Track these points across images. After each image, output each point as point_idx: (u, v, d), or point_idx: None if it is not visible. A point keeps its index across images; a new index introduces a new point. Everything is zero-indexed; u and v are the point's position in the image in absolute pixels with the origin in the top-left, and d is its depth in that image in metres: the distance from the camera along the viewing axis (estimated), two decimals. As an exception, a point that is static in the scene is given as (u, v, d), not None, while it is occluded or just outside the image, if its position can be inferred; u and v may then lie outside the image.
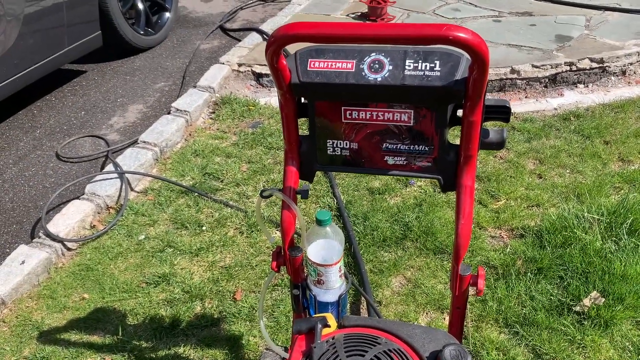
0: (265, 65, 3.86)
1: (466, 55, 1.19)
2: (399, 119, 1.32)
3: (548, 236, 2.37)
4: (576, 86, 3.74)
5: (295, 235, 1.52)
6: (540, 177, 2.90)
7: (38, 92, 3.99)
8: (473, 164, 1.36)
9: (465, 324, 1.53)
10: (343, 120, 1.35)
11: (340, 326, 1.36)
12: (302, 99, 1.41)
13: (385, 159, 1.40)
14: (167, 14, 4.78)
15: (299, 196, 1.48)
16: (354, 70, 1.26)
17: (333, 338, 1.28)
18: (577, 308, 2.04)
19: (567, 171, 2.93)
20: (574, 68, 3.70)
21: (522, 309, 2.09)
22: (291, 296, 1.61)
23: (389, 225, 2.56)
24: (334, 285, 1.51)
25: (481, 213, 2.62)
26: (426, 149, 1.36)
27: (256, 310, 2.18)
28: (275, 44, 1.18)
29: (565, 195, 2.72)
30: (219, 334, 2.13)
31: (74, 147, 3.38)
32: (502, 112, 1.31)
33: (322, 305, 1.55)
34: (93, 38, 3.94)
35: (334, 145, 1.41)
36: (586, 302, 2.03)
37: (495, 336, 2.01)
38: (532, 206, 2.68)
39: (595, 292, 2.07)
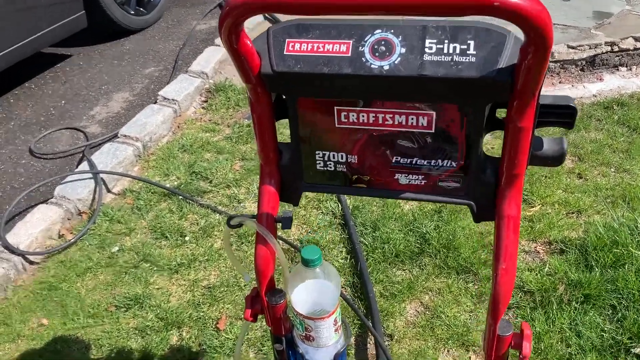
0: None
1: (513, 32, 0.81)
2: (414, 124, 0.93)
3: (595, 253, 1.96)
4: (618, 69, 3.29)
5: (277, 275, 1.15)
6: (581, 177, 2.48)
7: (16, 79, 3.64)
8: (519, 187, 0.97)
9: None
10: (337, 125, 0.97)
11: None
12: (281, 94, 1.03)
13: (395, 177, 1.01)
14: (161, -8, 4.38)
15: (278, 225, 1.10)
16: (350, 54, 0.87)
17: None
18: (638, 350, 1.64)
19: (612, 170, 2.51)
20: (615, 49, 3.25)
21: (567, 349, 1.70)
22: (273, 352, 1.24)
23: (403, 236, 2.17)
24: (327, 342, 1.14)
25: (512, 222, 2.21)
26: (453, 164, 0.97)
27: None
28: (232, 15, 0.80)
29: (611, 199, 2.31)
30: (197, 372, 1.78)
31: (50, 141, 3.02)
32: (564, 115, 0.91)
33: (312, 366, 1.18)
34: (76, 19, 3.56)
35: (325, 159, 1.02)
36: (649, 343, 1.63)
37: (533, 383, 1.63)
38: (572, 213, 2.27)
39: (661, 331, 1.67)
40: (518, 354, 1.06)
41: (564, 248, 2.06)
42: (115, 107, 3.31)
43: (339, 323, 1.15)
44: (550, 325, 1.76)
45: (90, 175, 2.54)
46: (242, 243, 2.21)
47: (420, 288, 1.97)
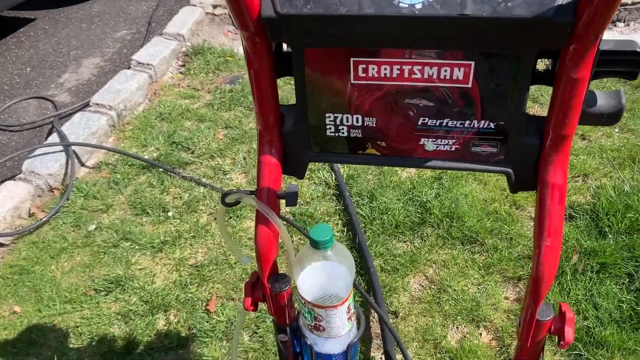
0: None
1: None
2: (448, 77, 0.78)
3: (607, 219, 1.85)
4: (615, 25, 3.16)
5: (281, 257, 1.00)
6: (584, 139, 2.36)
7: (-24, 45, 3.37)
8: (566, 150, 0.83)
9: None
10: (353, 81, 0.81)
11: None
12: (284, 45, 0.86)
13: (421, 142, 0.86)
14: (131, -50, 4.08)
15: (282, 202, 0.95)
16: (372, -9, 0.71)
17: None
18: (659, 321, 1.54)
19: (616, 130, 2.39)
20: (613, 3, 3.10)
21: (584, 322, 1.60)
22: (277, 343, 1.10)
23: (402, 206, 2.03)
24: (339, 332, 1.00)
25: (516, 187, 2.09)
26: (491, 125, 0.82)
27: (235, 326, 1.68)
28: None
29: (618, 161, 2.19)
30: (188, 358, 1.64)
31: (15, 112, 2.79)
32: (628, 63, 0.77)
33: (321, 358, 1.05)
34: (38, -22, 3.29)
35: (337, 122, 0.87)
36: (672, 313, 1.54)
37: (550, 360, 1.52)
38: (578, 176, 2.15)
39: (685, 300, 1.57)
40: (557, 339, 0.93)
41: (573, 214, 1.95)
42: (86, 73, 3.07)
43: (352, 310, 1.01)
44: (564, 297, 1.66)
45: (61, 147, 2.34)
46: (231, 217, 2.05)
47: (424, 260, 1.84)
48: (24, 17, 3.67)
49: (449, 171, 2.17)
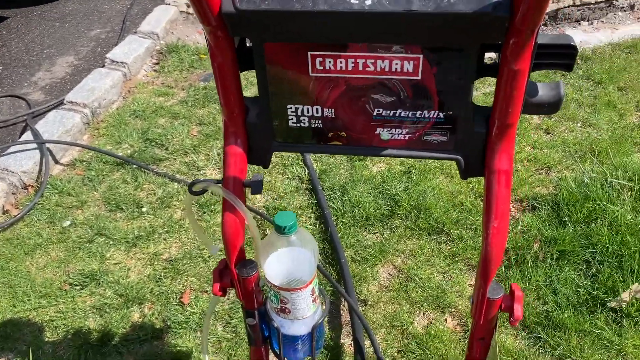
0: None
1: None
2: (399, 70, 0.83)
3: (567, 209, 1.93)
4: (579, 24, 3.26)
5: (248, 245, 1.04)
6: (548, 133, 2.45)
7: (-53, 43, 3.34)
8: (511, 138, 0.90)
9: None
10: (311, 74, 0.86)
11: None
12: (246, 40, 0.91)
13: (377, 132, 0.91)
14: (104, -52, 4.07)
15: (247, 190, 0.99)
16: (326, -12, 0.76)
17: None
18: (613, 304, 1.62)
19: (579, 125, 2.48)
20: (577, 2, 3.21)
21: (544, 307, 1.67)
22: (245, 326, 1.14)
23: (373, 199, 2.09)
24: (304, 313, 1.05)
25: (482, 180, 2.16)
26: (440, 115, 0.88)
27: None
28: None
29: (580, 154, 2.28)
30: (162, 349, 1.67)
31: (-12, 111, 2.79)
32: (563, 56, 0.83)
33: (288, 340, 1.10)
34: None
35: (298, 113, 0.92)
36: (625, 296, 1.61)
37: (510, 343, 1.59)
38: (542, 169, 2.23)
39: (637, 284, 1.65)
40: (508, 316, 1.00)
41: (536, 205, 2.03)
42: (60, 72, 3.07)
43: (317, 293, 1.07)
44: (526, 283, 1.73)
45: (35, 145, 2.35)
46: (205, 212, 2.09)
47: (392, 251, 1.90)
48: (-5, 16, 3.65)
49: (417, 165, 2.23)
